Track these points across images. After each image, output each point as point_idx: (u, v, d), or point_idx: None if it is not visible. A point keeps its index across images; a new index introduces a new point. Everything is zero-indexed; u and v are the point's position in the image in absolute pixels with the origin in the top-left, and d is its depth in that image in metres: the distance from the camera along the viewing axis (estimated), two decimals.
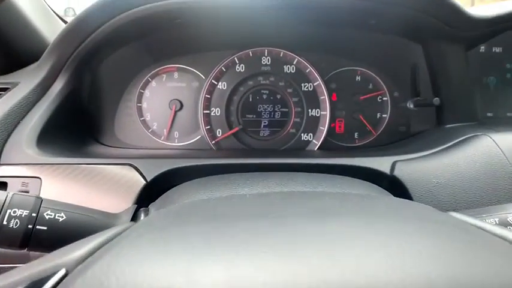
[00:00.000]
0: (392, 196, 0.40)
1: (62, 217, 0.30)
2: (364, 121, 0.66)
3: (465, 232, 0.21)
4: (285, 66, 0.63)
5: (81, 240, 0.21)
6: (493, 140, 0.47)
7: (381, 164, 0.48)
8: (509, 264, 0.16)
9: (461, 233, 0.20)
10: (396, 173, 0.46)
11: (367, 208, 0.24)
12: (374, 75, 0.66)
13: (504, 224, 0.30)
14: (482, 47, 0.72)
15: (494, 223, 0.30)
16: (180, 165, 0.48)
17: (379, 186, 0.44)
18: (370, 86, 0.66)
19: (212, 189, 0.36)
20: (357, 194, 0.30)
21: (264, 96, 0.64)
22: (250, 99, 0.64)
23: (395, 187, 0.46)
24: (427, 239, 0.18)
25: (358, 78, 0.66)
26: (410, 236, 0.19)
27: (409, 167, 0.47)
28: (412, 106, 0.63)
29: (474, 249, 0.17)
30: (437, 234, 0.19)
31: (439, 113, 0.61)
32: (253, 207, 0.24)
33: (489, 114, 0.73)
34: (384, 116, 0.66)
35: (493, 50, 0.72)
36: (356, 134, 0.66)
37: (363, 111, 0.66)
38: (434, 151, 0.49)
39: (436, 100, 0.56)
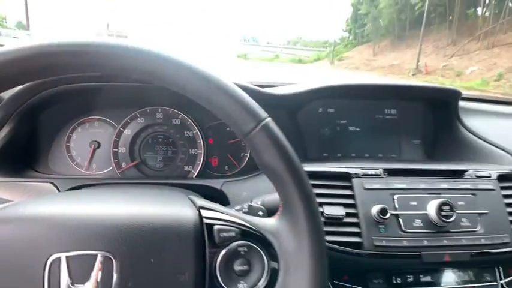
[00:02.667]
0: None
1: None
2: (231, 158, 0.94)
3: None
4: (173, 119, 0.91)
5: None
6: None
7: (216, 183, 0.75)
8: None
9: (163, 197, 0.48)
10: (223, 188, 0.74)
11: (147, 191, 0.51)
12: None
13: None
14: (321, 109, 1.04)
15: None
16: (88, 183, 0.73)
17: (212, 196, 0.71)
18: None
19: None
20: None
21: (160, 140, 0.92)
22: (150, 141, 0.91)
23: (223, 198, 0.73)
24: (144, 197, 0.45)
25: (228, 128, 0.95)
26: (142, 198, 0.46)
27: (232, 184, 0.75)
28: None
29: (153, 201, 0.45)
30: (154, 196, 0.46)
31: None
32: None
33: (325, 155, 1.04)
34: (245, 154, 0.95)
35: (328, 111, 1.05)
36: (226, 167, 0.94)
37: (231, 151, 0.94)
38: (252, 175, 0.77)
39: None
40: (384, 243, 0.68)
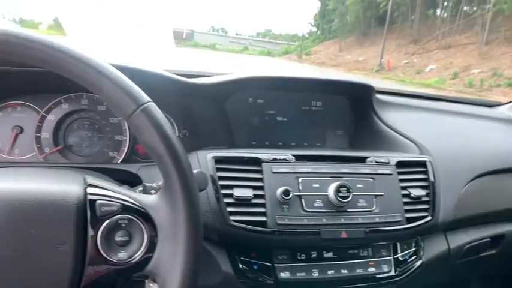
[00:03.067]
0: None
1: None
2: None
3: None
4: (98, 106, 0.93)
5: None
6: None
7: (133, 167, 0.79)
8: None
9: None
10: (138, 172, 0.77)
11: (45, 171, 0.53)
12: (167, 114, 0.98)
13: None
14: (251, 99, 1.09)
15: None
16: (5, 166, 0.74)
17: (129, 181, 0.74)
18: None
19: None
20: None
21: (86, 126, 0.93)
22: (75, 127, 0.92)
23: (139, 182, 0.77)
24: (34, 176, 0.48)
25: None
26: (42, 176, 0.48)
27: (148, 169, 0.78)
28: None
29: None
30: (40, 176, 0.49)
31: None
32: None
33: (253, 143, 1.09)
34: None
35: (257, 101, 1.10)
36: None
37: None
38: None
39: (184, 131, 0.89)
40: (286, 221, 0.74)
